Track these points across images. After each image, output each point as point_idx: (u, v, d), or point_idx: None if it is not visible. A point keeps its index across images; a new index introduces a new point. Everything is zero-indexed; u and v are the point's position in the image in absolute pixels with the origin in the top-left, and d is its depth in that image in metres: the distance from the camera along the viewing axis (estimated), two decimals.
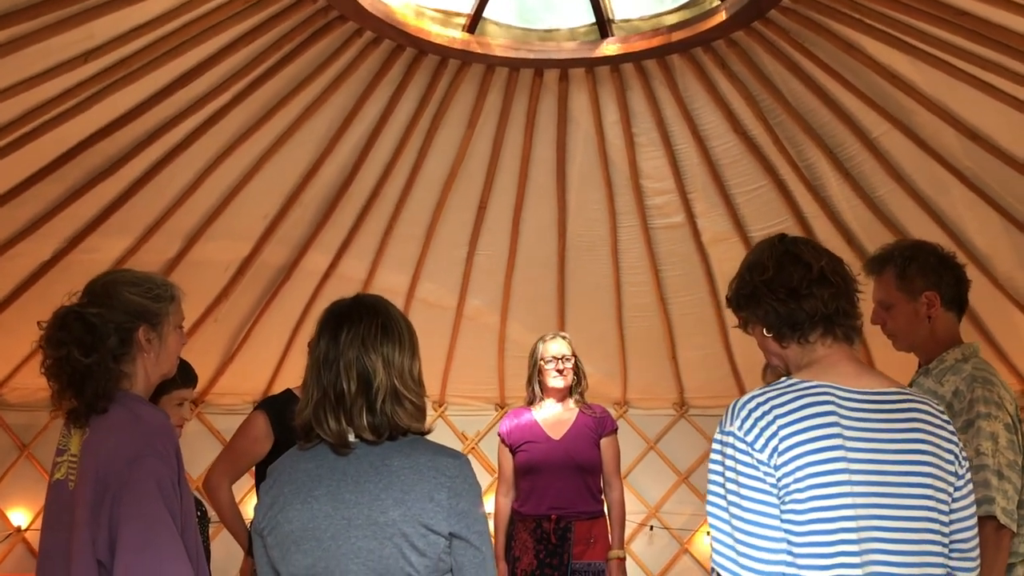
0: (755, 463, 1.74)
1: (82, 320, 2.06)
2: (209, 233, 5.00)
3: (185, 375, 2.97)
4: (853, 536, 1.69)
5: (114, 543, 1.90)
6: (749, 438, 1.75)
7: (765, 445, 1.73)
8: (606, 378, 6.22)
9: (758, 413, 1.77)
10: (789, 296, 1.89)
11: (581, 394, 4.17)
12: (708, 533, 5.50)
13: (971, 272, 2.68)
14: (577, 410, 4.13)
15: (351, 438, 1.80)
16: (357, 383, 1.79)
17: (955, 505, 1.82)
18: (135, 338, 2.11)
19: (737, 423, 1.78)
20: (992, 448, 2.35)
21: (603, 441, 4.09)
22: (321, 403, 1.81)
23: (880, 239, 3.99)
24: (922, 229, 4.59)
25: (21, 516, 5.34)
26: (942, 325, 2.56)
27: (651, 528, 6.33)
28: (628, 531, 5.76)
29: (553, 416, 4.12)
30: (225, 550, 5.02)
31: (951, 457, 1.82)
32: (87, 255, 4.54)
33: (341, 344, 1.82)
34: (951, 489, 1.81)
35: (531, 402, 4.19)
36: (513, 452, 4.11)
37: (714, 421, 5.57)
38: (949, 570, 1.81)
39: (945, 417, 1.86)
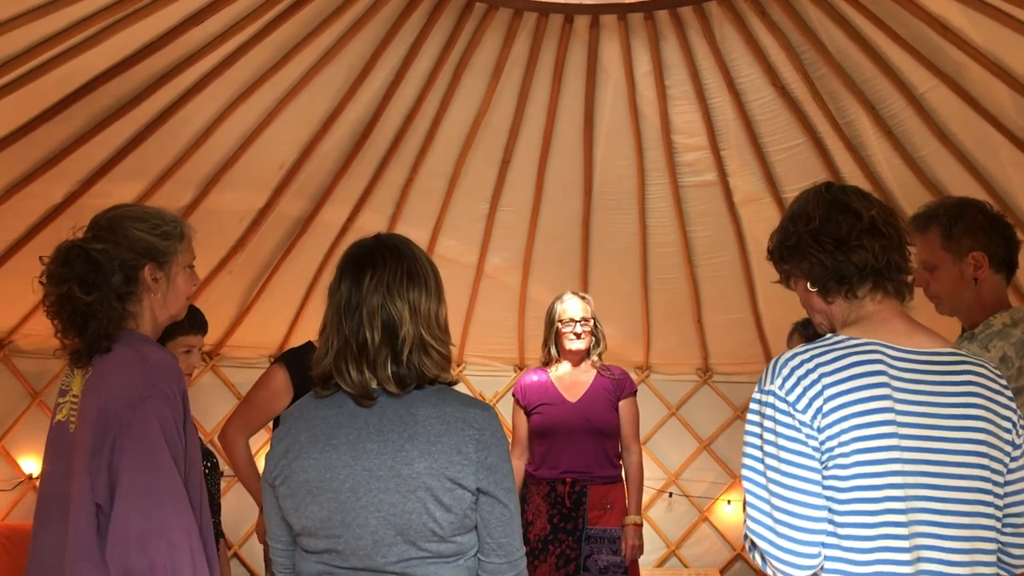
0: (797, 424, 1.62)
1: (85, 255, 1.99)
2: (224, 181, 4.86)
3: (192, 320, 2.88)
4: (900, 505, 1.57)
5: (114, 487, 1.84)
6: (791, 398, 1.63)
7: (808, 406, 1.61)
8: (628, 341, 6.09)
9: (801, 371, 1.64)
10: (837, 247, 1.76)
11: (599, 356, 4.05)
12: (729, 502, 5.45)
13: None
14: (595, 372, 4.02)
15: (373, 386, 1.69)
16: (382, 332, 1.68)
17: (1011, 476, 1.70)
18: (140, 277, 2.04)
19: (778, 381, 1.65)
20: None
21: (622, 403, 3.98)
22: (342, 352, 1.69)
23: (921, 202, 3.77)
24: (966, 191, 4.35)
25: (33, 464, 5.31)
26: (989, 288, 2.44)
27: (670, 495, 6.25)
28: (647, 497, 5.69)
29: (570, 377, 4.01)
30: (239, 503, 5.00)
31: (1008, 425, 1.70)
32: (99, 199, 4.41)
33: (364, 290, 1.69)
34: (1007, 459, 1.69)
35: (547, 363, 4.07)
36: (528, 414, 4.01)
37: (739, 388, 5.49)
38: (1000, 545, 1.69)
39: (1003, 382, 1.74)
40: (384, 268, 1.71)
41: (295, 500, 1.69)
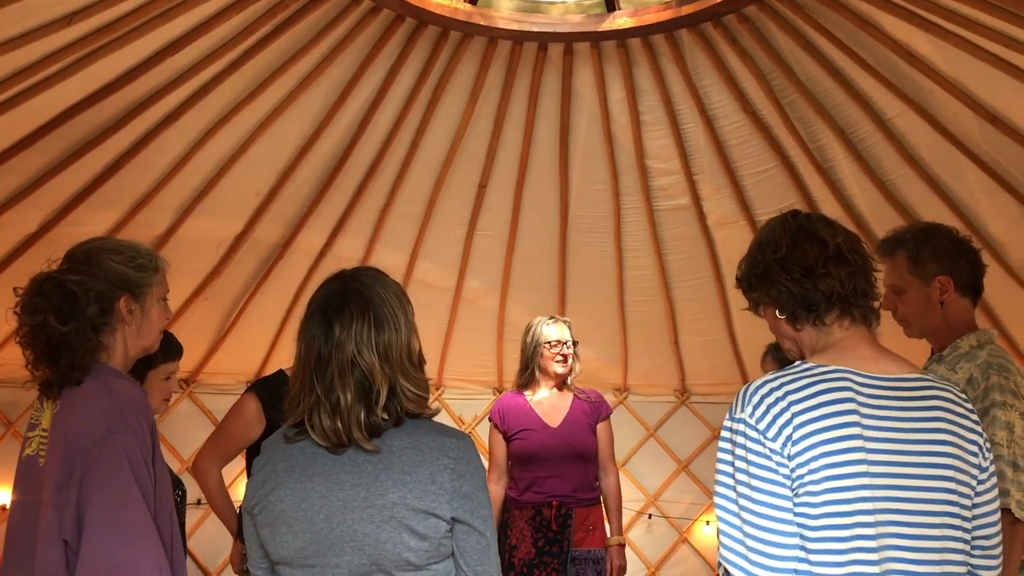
0: (767, 452, 1.63)
1: (61, 287, 1.98)
2: (200, 209, 4.87)
3: (168, 347, 2.88)
4: (870, 531, 1.59)
5: (82, 523, 1.82)
6: (761, 426, 1.65)
7: (778, 434, 1.63)
8: (606, 363, 6.12)
9: (771, 399, 1.66)
10: (804, 275, 1.78)
11: (573, 380, 4.07)
12: (708, 523, 5.47)
13: (984, 260, 2.59)
14: (572, 396, 4.03)
15: (346, 438, 1.68)
16: (355, 391, 1.67)
17: (978, 499, 1.73)
18: (116, 308, 2.04)
19: (748, 409, 1.67)
20: (1007, 438, 2.27)
21: (599, 426, 4.02)
22: (316, 408, 1.69)
23: (891, 224, 3.83)
24: (935, 214, 4.45)
25: (6, 495, 5.24)
26: (956, 311, 2.49)
27: (649, 516, 6.26)
28: (626, 519, 5.70)
29: (548, 402, 4.02)
30: (216, 533, 4.95)
31: (975, 448, 1.72)
32: (74, 228, 4.42)
33: (333, 345, 1.69)
34: (974, 482, 1.71)
35: (525, 386, 4.08)
36: (508, 439, 4.01)
37: (716, 408, 5.54)
38: (970, 568, 1.71)
39: (969, 406, 1.77)
40: (352, 322, 1.70)
41: (272, 529, 1.70)
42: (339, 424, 1.67)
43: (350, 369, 1.68)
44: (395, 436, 1.69)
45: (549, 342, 3.99)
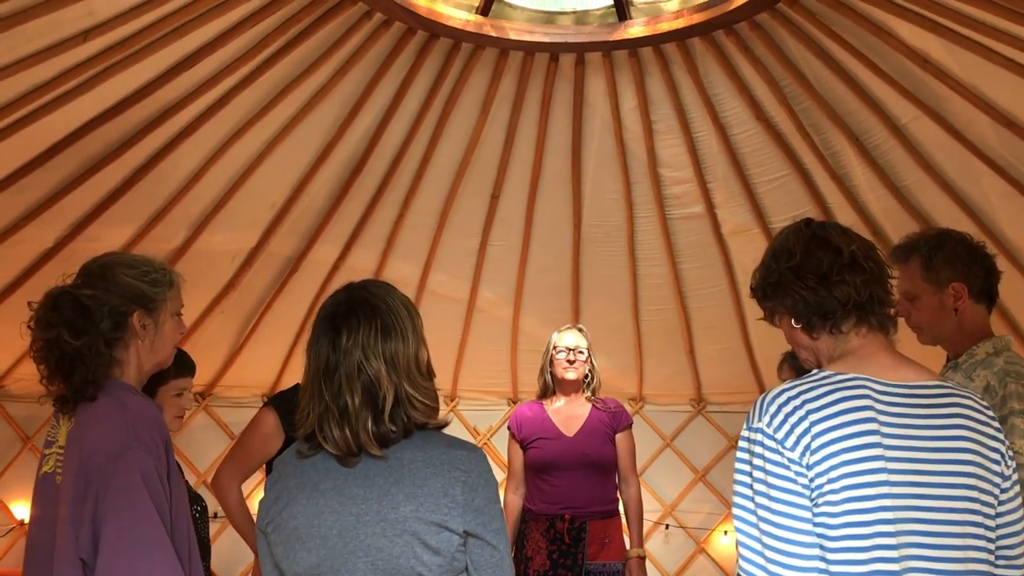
0: (785, 462, 1.62)
1: (75, 301, 1.98)
2: (215, 222, 4.90)
3: (180, 363, 2.88)
4: (891, 541, 1.57)
5: (97, 540, 1.82)
6: (779, 435, 1.63)
7: (797, 443, 1.61)
8: (621, 373, 6.10)
9: (788, 408, 1.65)
10: (819, 283, 1.77)
11: (594, 391, 4.05)
12: (725, 533, 5.40)
13: (1001, 265, 2.56)
14: (590, 405, 4.01)
15: (356, 447, 1.69)
16: (362, 396, 1.68)
17: (1001, 508, 1.70)
18: (129, 323, 2.03)
19: (766, 419, 1.66)
20: None
21: (618, 436, 3.97)
22: (325, 417, 1.69)
23: (907, 230, 3.81)
24: (951, 220, 4.43)
25: (24, 510, 5.27)
26: (970, 318, 2.46)
27: (667, 527, 6.23)
28: (644, 529, 5.67)
29: (566, 411, 4.00)
30: (232, 546, 4.96)
31: (997, 456, 1.70)
32: (90, 243, 4.45)
33: (340, 352, 1.70)
34: (997, 491, 1.69)
35: (543, 394, 4.07)
36: (524, 447, 4.00)
37: (732, 418, 5.47)
38: None
39: (990, 413, 1.74)
40: (359, 328, 1.71)
41: (286, 547, 1.70)
42: (347, 432, 1.67)
43: (357, 375, 1.69)
44: (406, 448, 1.69)
45: (558, 348, 3.99)
